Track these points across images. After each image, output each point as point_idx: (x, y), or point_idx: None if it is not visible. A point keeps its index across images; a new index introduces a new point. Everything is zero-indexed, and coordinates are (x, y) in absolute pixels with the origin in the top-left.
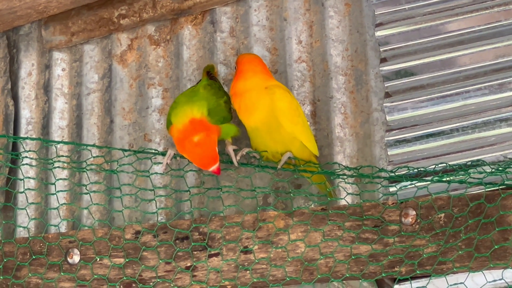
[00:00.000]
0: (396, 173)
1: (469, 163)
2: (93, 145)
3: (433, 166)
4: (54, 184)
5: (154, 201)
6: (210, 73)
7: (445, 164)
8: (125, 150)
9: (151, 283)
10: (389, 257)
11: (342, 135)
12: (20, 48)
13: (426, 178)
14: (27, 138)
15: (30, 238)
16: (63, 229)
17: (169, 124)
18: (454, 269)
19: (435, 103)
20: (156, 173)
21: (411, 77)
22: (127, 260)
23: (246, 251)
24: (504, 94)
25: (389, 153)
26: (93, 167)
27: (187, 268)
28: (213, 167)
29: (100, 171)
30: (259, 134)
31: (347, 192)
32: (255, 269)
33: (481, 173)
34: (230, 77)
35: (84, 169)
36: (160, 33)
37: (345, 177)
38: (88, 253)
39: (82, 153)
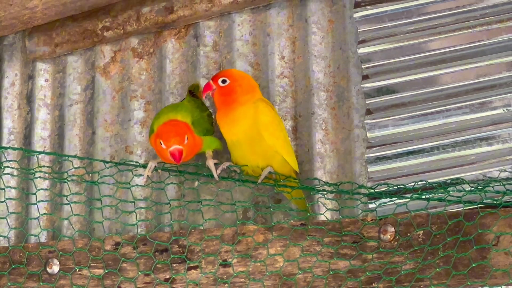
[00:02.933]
0: (376, 190)
1: (449, 181)
2: (75, 156)
3: (413, 184)
4: (35, 194)
5: (135, 213)
6: (192, 92)
7: (424, 182)
8: (107, 162)
9: None
10: (367, 273)
11: (323, 151)
12: (3, 58)
13: (406, 195)
14: (9, 148)
15: (10, 248)
16: (43, 239)
17: (151, 133)
18: (432, 287)
19: (416, 121)
20: (137, 185)
21: (393, 95)
22: (106, 271)
23: (225, 264)
24: (485, 113)
25: (369, 169)
26: (74, 178)
27: (166, 280)
28: (174, 147)
29: (81, 182)
30: (241, 148)
31: (326, 208)
32: (234, 282)
33: (460, 191)
34: None
35: (65, 180)
36: (144, 46)
37: (325, 192)
38: (68, 264)
39: (64, 164)
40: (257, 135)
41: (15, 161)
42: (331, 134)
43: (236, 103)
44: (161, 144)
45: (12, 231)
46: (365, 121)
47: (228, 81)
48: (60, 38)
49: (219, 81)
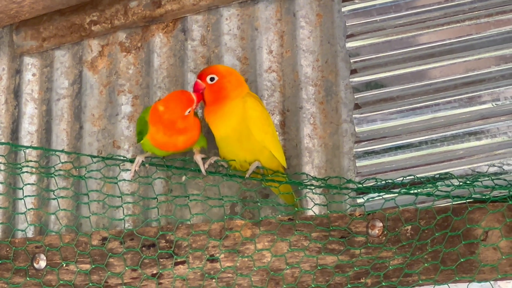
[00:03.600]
0: (364, 185)
1: (437, 176)
2: (62, 151)
3: (401, 178)
4: (22, 189)
5: (122, 208)
6: None
7: (413, 177)
8: (94, 157)
9: None
10: (355, 268)
11: (311, 145)
12: None
13: (394, 190)
14: None
15: None
16: (30, 234)
17: (145, 125)
18: (420, 282)
19: (404, 116)
20: (124, 180)
21: (381, 89)
22: (93, 266)
23: (213, 259)
24: (474, 108)
25: (357, 164)
26: (61, 172)
27: (153, 275)
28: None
29: (68, 177)
30: (229, 143)
31: (314, 203)
32: (221, 277)
33: (448, 186)
34: None
35: (52, 175)
36: (131, 40)
37: (313, 187)
38: (55, 259)
39: (51, 159)
40: (246, 130)
41: (2, 155)
42: (319, 128)
43: (226, 99)
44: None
45: None
46: (353, 116)
47: (216, 78)
48: (47, 32)
49: (208, 79)
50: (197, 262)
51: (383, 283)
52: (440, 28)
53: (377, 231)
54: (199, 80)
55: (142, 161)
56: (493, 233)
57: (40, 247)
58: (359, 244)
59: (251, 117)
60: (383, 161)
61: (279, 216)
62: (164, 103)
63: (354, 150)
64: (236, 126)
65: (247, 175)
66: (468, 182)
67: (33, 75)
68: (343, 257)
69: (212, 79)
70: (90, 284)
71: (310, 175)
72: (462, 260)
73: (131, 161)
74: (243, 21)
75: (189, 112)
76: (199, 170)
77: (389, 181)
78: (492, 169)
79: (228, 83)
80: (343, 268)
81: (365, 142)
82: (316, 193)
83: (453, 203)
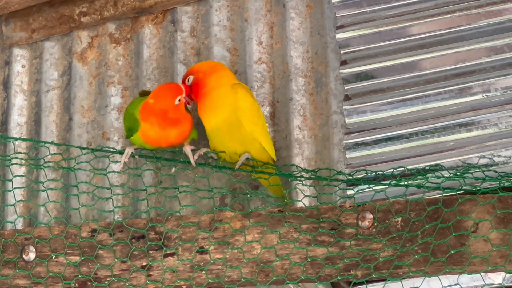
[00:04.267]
0: (354, 176)
1: (428, 167)
2: (51, 143)
3: (391, 170)
4: (11, 180)
5: (111, 200)
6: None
7: (403, 168)
8: (83, 148)
9: (106, 282)
10: (345, 260)
11: (301, 137)
12: None
13: (384, 182)
14: None
15: None
16: (19, 226)
17: (134, 121)
18: (410, 273)
19: (394, 107)
20: (113, 171)
21: (371, 80)
22: (82, 258)
23: (202, 251)
24: (464, 99)
25: (347, 156)
26: (50, 164)
27: (143, 267)
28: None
29: (58, 169)
30: (220, 134)
31: (304, 194)
32: (211, 269)
33: (439, 177)
34: None
35: (42, 166)
36: (121, 32)
37: (303, 179)
38: (44, 251)
39: (40, 150)
40: (236, 122)
41: None
42: (309, 120)
43: (208, 89)
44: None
45: None
46: (343, 107)
47: (191, 77)
48: (37, 23)
49: (186, 82)
50: (186, 254)
51: (373, 275)
52: (430, 19)
53: (367, 223)
54: (181, 86)
55: (132, 152)
56: (483, 224)
57: (30, 239)
58: (349, 236)
59: (242, 108)
60: (373, 153)
61: (269, 208)
62: (153, 96)
63: (344, 141)
64: (227, 117)
65: (236, 167)
66: (458, 173)
67: (23, 66)
68: (333, 249)
69: (188, 79)
70: (80, 276)
71: (300, 167)
72: (452, 252)
73: (121, 152)
74: (233, 12)
75: (179, 101)
76: (189, 162)
77: (379, 172)
78: (482, 161)
79: (202, 74)
80: (333, 260)
81: (355, 134)
82: (306, 185)
83: (444, 194)
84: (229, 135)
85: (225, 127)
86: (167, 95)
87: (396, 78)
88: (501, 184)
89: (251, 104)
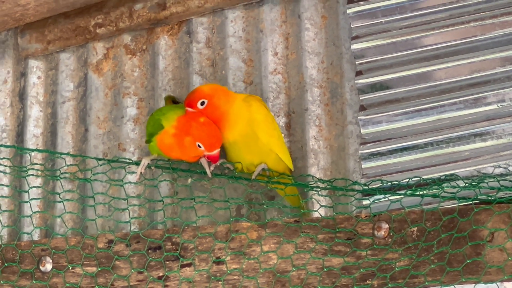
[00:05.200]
0: (370, 186)
1: (443, 177)
2: (67, 154)
3: (407, 180)
4: (27, 191)
5: (127, 211)
6: (174, 101)
7: (418, 178)
8: (99, 159)
9: None
10: (361, 270)
11: (317, 147)
12: None
13: (400, 192)
14: (1, 145)
15: (2, 246)
16: (36, 237)
17: (159, 129)
18: (426, 283)
19: (409, 117)
20: (129, 182)
21: (386, 91)
22: (99, 269)
23: (219, 261)
24: (479, 109)
25: (363, 166)
26: (67, 175)
27: (159, 278)
28: (216, 150)
29: (74, 180)
30: (237, 147)
31: (320, 205)
32: (227, 280)
33: (454, 187)
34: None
35: (58, 177)
36: (136, 43)
37: (319, 189)
38: (61, 262)
39: (56, 161)
40: (252, 134)
41: (8, 158)
42: (324, 130)
43: (224, 113)
44: (199, 146)
45: (5, 229)
46: (358, 117)
47: (206, 101)
48: (52, 35)
49: (198, 105)
50: (203, 264)
51: (389, 285)
52: (445, 30)
53: (383, 233)
54: (189, 109)
55: (148, 163)
56: (499, 234)
57: (46, 250)
58: (365, 245)
59: (256, 121)
60: (388, 163)
61: (285, 218)
62: (205, 141)
63: (360, 151)
64: (243, 130)
65: (253, 177)
66: (474, 183)
67: (38, 78)
68: (349, 259)
69: (202, 103)
70: (96, 286)
71: (315, 177)
72: (468, 261)
73: (137, 163)
74: (248, 23)
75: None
76: (205, 173)
77: (395, 182)
78: (497, 170)
79: (219, 100)
80: (349, 270)
81: (371, 144)
82: (322, 195)
83: (459, 204)
84: (245, 147)
85: (242, 140)
86: (218, 144)
87: (411, 88)
88: None
89: (265, 115)
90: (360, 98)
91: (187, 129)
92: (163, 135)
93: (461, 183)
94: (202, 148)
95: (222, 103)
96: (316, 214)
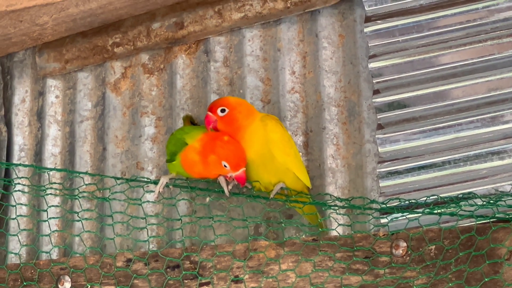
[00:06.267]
0: (388, 205)
1: (461, 195)
2: (86, 173)
3: (425, 198)
4: (46, 210)
5: (146, 229)
6: (192, 122)
7: (436, 197)
8: (118, 178)
9: None
10: None
11: (334, 166)
12: (14, 75)
13: (417, 210)
14: (19, 164)
15: (21, 265)
16: (54, 255)
17: (182, 146)
18: None
19: (427, 136)
20: (148, 201)
21: (404, 109)
22: (118, 287)
23: (237, 280)
24: (496, 127)
25: (380, 184)
26: (85, 194)
27: None
28: (242, 169)
29: (92, 199)
30: (254, 167)
31: (338, 223)
32: None
33: (472, 205)
34: None
35: (76, 196)
36: (154, 62)
37: (337, 208)
38: (79, 280)
39: (75, 180)
40: (268, 153)
41: (26, 178)
42: (342, 149)
43: (241, 128)
44: (224, 165)
45: (24, 248)
46: (376, 136)
47: (227, 110)
48: (70, 54)
49: (218, 111)
50: (221, 283)
51: None
52: (462, 48)
53: (401, 251)
54: (209, 113)
55: (166, 182)
56: None
57: (65, 269)
58: (383, 264)
59: (272, 140)
60: (406, 181)
61: (303, 236)
62: (231, 161)
63: (378, 170)
64: (259, 150)
65: (271, 196)
66: (491, 201)
67: (56, 97)
68: (368, 277)
69: (223, 110)
70: None
71: (333, 196)
72: (486, 279)
73: (155, 182)
74: (266, 42)
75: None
76: (223, 191)
77: (413, 201)
78: None
79: (239, 114)
80: None
81: (388, 162)
82: (340, 214)
83: (477, 222)
84: (262, 167)
85: (258, 160)
86: (243, 163)
87: (428, 107)
88: None
89: (281, 134)
90: (378, 117)
91: (212, 147)
92: (187, 151)
93: (478, 201)
94: (228, 167)
95: (241, 117)
96: (334, 233)
